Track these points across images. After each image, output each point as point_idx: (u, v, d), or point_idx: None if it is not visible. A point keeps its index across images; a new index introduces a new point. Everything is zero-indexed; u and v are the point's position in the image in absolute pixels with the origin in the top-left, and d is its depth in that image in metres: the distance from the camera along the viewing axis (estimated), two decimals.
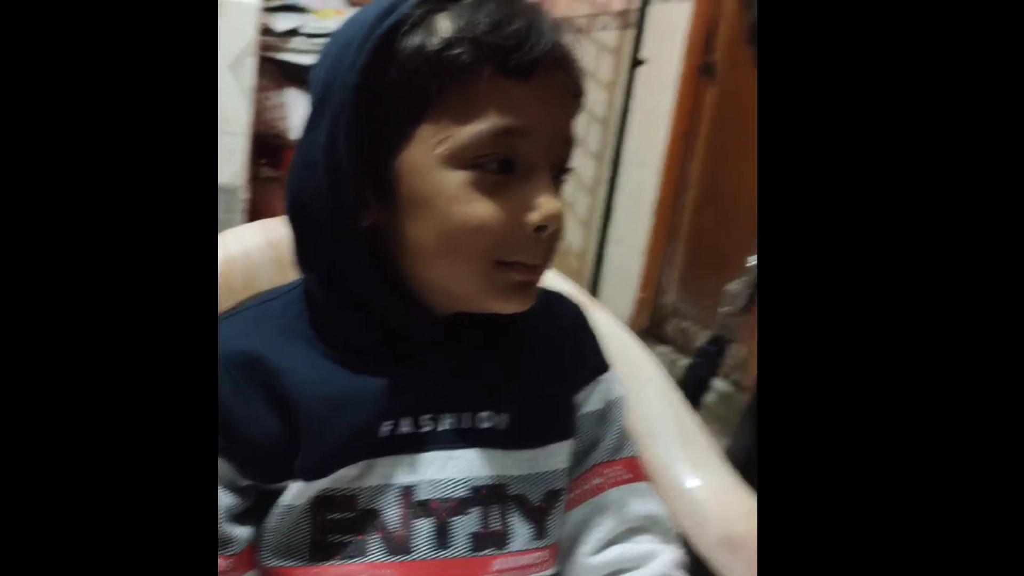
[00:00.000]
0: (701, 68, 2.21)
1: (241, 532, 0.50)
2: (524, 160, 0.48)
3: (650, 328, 2.37)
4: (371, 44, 0.47)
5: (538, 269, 0.51)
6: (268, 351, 0.50)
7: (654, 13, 2.21)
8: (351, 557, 0.50)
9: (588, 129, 2.48)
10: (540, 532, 0.54)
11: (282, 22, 2.09)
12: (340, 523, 0.51)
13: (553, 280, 0.68)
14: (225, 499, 0.49)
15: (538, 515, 0.54)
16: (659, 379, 0.76)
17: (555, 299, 0.61)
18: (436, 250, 0.49)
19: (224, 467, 0.49)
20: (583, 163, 2.51)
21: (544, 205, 0.48)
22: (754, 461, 0.92)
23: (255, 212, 1.96)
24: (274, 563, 0.51)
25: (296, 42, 2.06)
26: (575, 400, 0.59)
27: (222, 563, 0.49)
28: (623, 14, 2.40)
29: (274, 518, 0.51)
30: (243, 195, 1.92)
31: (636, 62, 2.22)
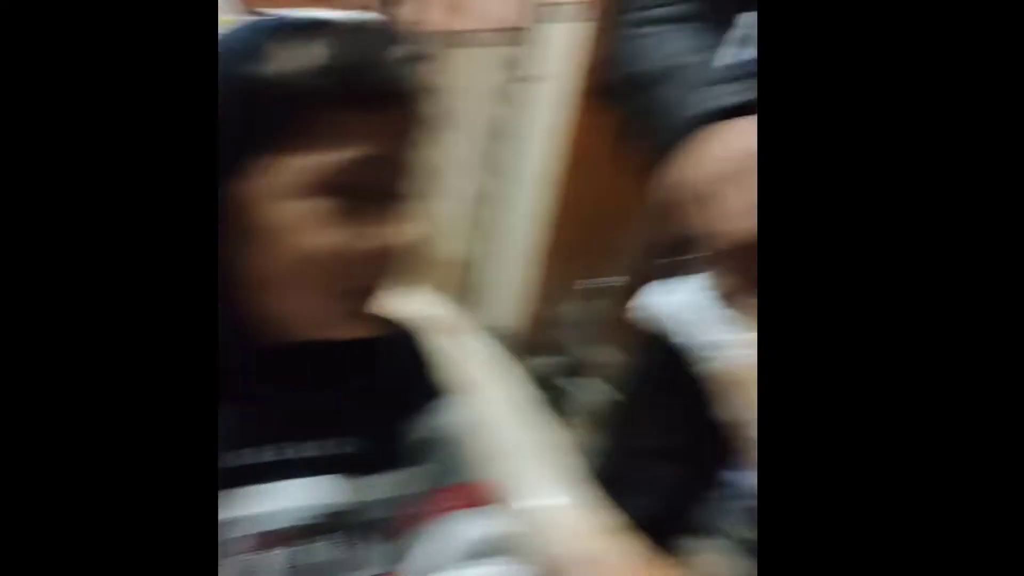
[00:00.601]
0: (596, 89, 2.25)
1: None
2: (362, 189, 0.49)
3: (533, 337, 2.42)
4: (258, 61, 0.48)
5: (375, 294, 0.52)
6: None
7: (554, 32, 2.27)
8: None
9: (475, 143, 2.51)
10: (396, 555, 0.56)
11: None
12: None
13: (422, 296, 0.69)
14: None
15: (393, 539, 0.57)
16: (514, 398, 0.78)
17: (388, 326, 0.61)
18: (283, 281, 0.50)
19: None
20: (470, 176, 2.54)
21: (398, 231, 0.50)
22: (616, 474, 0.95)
23: None
24: None
25: None
26: (411, 427, 0.60)
27: None
28: (517, 31, 2.45)
29: None
30: None
31: (526, 79, 2.27)
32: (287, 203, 0.48)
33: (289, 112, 0.47)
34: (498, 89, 2.44)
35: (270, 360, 0.53)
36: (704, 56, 0.67)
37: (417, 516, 0.59)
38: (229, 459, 0.51)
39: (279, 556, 0.52)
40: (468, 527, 0.59)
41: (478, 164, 2.53)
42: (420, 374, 0.62)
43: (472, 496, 0.61)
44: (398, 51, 0.50)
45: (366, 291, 0.52)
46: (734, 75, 0.64)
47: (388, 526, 0.57)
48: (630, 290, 0.93)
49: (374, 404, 0.58)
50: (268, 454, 0.53)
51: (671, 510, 0.93)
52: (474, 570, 0.58)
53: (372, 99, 0.48)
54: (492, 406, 0.76)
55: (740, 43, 0.66)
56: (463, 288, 2.47)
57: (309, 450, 0.54)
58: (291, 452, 0.53)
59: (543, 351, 2.36)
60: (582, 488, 0.74)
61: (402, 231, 0.51)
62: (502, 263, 2.47)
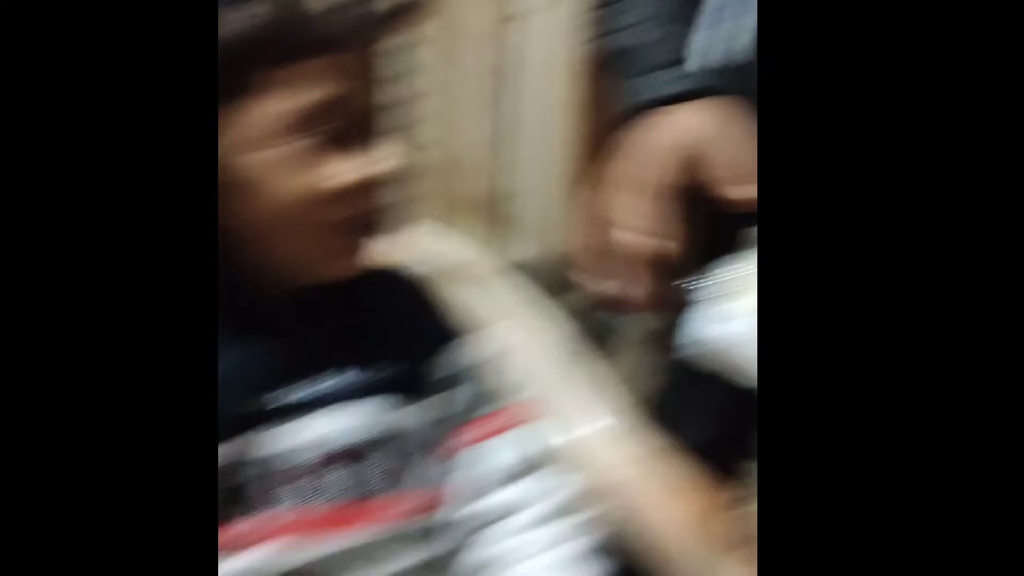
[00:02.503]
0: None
1: None
2: (334, 127, 0.51)
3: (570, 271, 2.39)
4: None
5: (366, 229, 0.54)
6: None
7: None
8: (267, 507, 0.53)
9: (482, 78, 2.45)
10: (440, 476, 0.59)
11: None
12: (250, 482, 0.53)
13: (443, 236, 0.74)
14: None
15: (436, 461, 0.59)
16: (549, 331, 0.78)
17: (391, 275, 0.64)
18: (275, 227, 0.52)
19: None
20: (483, 112, 2.48)
21: (342, 171, 0.51)
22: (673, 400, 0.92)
23: None
24: None
25: None
26: (430, 366, 0.61)
27: None
28: None
29: None
30: None
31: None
32: (262, 152, 0.50)
33: (247, 66, 0.49)
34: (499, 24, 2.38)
35: (285, 304, 0.56)
36: (665, 32, 0.65)
37: (456, 442, 0.61)
38: (276, 396, 0.54)
39: (334, 476, 0.55)
40: (507, 449, 0.61)
41: (490, 99, 2.47)
42: (427, 311, 0.64)
43: (510, 420, 0.62)
44: None
45: (359, 226, 0.54)
46: (678, 59, 0.62)
47: (430, 448, 0.59)
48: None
49: (395, 336, 0.60)
50: (308, 387, 0.55)
51: (724, 435, 0.90)
52: (515, 488, 0.60)
53: (326, 44, 0.50)
54: (525, 337, 0.76)
55: (710, 17, 0.63)
56: (493, 224, 2.43)
57: (349, 379, 0.57)
58: (330, 382, 0.56)
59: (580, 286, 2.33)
60: (625, 414, 0.73)
61: (380, 162, 0.52)
62: (532, 197, 2.42)
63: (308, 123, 0.50)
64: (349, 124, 0.52)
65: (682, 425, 0.79)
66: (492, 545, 0.59)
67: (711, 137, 0.64)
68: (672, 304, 0.66)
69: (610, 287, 0.70)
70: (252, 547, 0.53)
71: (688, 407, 0.86)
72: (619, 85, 0.68)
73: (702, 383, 0.80)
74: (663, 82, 0.64)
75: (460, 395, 0.62)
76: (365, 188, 0.53)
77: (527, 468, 0.61)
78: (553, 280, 2.41)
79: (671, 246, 0.64)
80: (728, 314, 0.70)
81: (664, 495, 0.67)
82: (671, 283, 0.66)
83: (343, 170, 0.52)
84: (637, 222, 0.62)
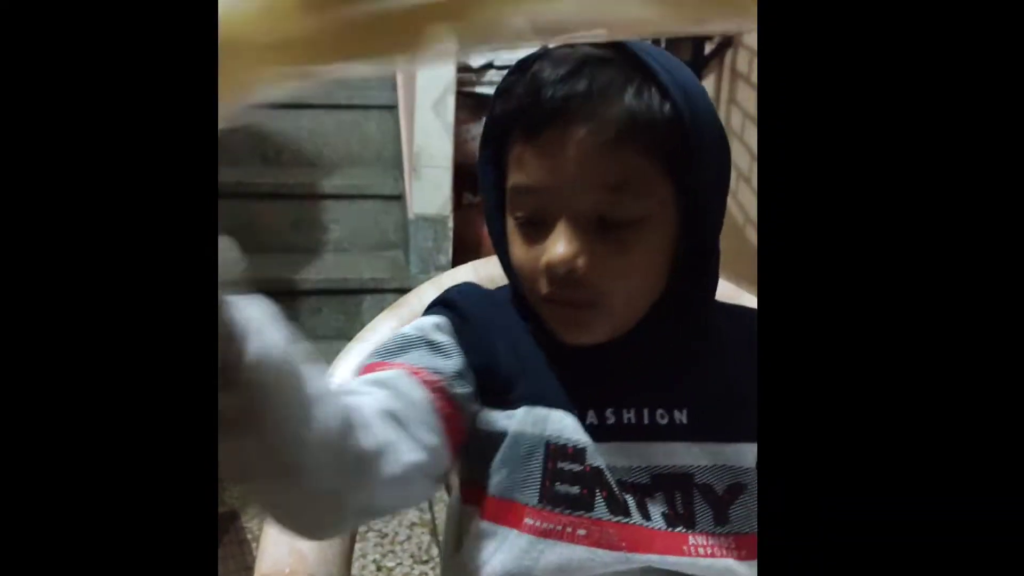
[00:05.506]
0: None
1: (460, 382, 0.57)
2: (545, 212, 0.54)
3: None
4: (489, 109, 0.57)
5: (578, 305, 0.54)
6: (481, 315, 0.60)
7: None
8: (578, 509, 0.55)
9: None
10: (721, 519, 0.57)
11: (477, 58, 2.20)
12: (569, 474, 0.55)
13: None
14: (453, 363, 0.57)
15: (721, 504, 0.57)
16: None
17: (749, 314, 0.65)
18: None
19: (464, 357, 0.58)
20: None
21: (547, 251, 0.53)
22: None
23: (458, 236, 2.14)
24: (505, 497, 0.57)
25: (490, 75, 2.23)
26: None
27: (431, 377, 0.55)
28: None
29: (505, 450, 0.57)
30: (450, 223, 2.10)
31: None
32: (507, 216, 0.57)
33: (503, 139, 0.56)
34: None
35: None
36: None
37: None
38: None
39: (631, 498, 0.57)
40: None
41: None
42: None
43: None
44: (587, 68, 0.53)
45: (559, 301, 0.55)
46: None
47: (730, 491, 0.59)
48: None
49: (720, 379, 0.61)
50: (609, 418, 0.58)
51: None
52: None
53: (534, 128, 0.53)
54: None
55: None
56: None
57: (645, 418, 0.59)
58: (627, 418, 0.58)
59: None
60: None
61: (557, 253, 0.53)
62: None
63: (513, 205, 0.56)
64: (553, 210, 0.54)
65: None
66: None
67: None
68: None
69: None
70: None
71: None
72: None
73: None
74: None
75: None
76: (556, 269, 0.54)
77: None
78: None
79: None
80: None
81: None
82: None
83: (546, 252, 0.54)
84: None
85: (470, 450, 0.58)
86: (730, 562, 0.56)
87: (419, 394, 0.53)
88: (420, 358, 0.56)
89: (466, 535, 0.59)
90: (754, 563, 0.56)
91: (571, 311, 0.55)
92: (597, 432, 0.56)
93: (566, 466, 0.55)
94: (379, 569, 1.53)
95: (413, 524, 1.64)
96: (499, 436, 0.57)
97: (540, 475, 0.55)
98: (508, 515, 0.56)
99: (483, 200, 0.60)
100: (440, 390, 0.55)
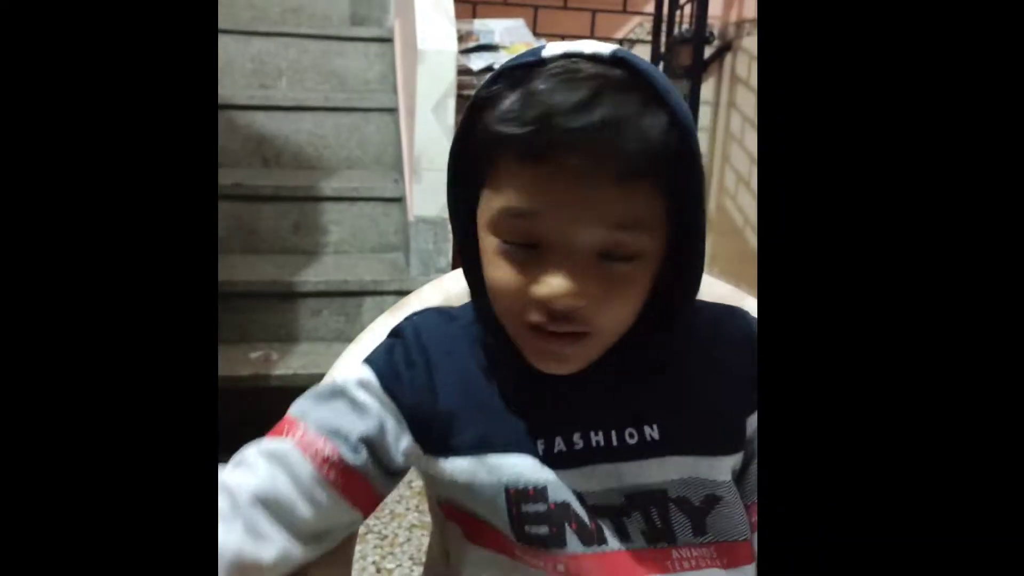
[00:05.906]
0: None
1: (361, 454, 0.56)
2: (540, 239, 0.51)
3: None
4: (464, 115, 0.54)
5: (566, 337, 0.52)
6: (434, 349, 0.59)
7: None
8: (551, 548, 0.55)
9: None
10: (700, 529, 0.57)
11: (477, 61, 2.26)
12: (535, 515, 0.55)
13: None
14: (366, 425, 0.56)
15: (698, 514, 0.57)
16: None
17: (730, 315, 0.63)
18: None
19: (393, 411, 0.57)
20: None
21: (546, 284, 0.50)
22: None
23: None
24: (488, 523, 0.57)
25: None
26: (746, 421, 0.60)
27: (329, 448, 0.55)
28: None
29: (465, 493, 0.56)
30: (450, 226, 2.01)
31: None
32: (487, 235, 0.53)
33: (488, 159, 0.52)
34: None
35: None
36: None
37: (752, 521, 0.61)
38: (540, 446, 0.57)
39: (607, 521, 0.56)
40: None
41: None
42: (751, 371, 0.66)
43: None
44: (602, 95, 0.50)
45: (545, 331, 0.53)
46: None
47: (706, 502, 0.58)
48: None
49: (690, 392, 0.60)
50: (575, 443, 0.57)
51: None
52: None
53: (540, 153, 0.49)
54: None
55: None
56: None
57: (613, 439, 0.58)
58: (595, 441, 0.58)
59: None
60: None
61: (552, 287, 0.51)
62: None
63: (505, 227, 0.52)
64: (552, 237, 0.51)
65: None
66: None
67: None
68: None
69: None
70: None
71: None
72: None
73: None
74: None
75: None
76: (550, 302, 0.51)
77: None
78: None
79: None
80: None
81: None
82: None
83: (541, 282, 0.51)
84: None
85: (435, 481, 0.58)
86: (716, 571, 0.56)
87: (306, 470, 0.54)
88: (331, 416, 0.56)
89: (454, 553, 0.59)
90: (738, 570, 0.56)
91: (556, 342, 0.53)
92: (565, 459, 0.56)
93: (530, 508, 0.55)
94: (379, 571, 1.53)
95: (413, 526, 1.64)
96: (452, 483, 0.57)
97: (508, 520, 0.55)
98: (498, 540, 0.56)
99: (449, 207, 0.57)
100: (329, 462, 0.55)
